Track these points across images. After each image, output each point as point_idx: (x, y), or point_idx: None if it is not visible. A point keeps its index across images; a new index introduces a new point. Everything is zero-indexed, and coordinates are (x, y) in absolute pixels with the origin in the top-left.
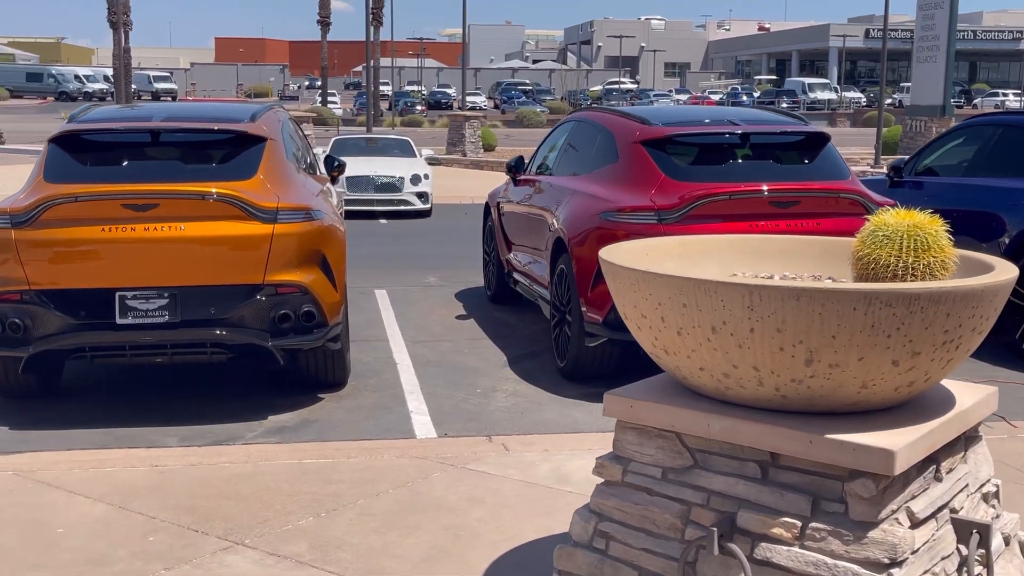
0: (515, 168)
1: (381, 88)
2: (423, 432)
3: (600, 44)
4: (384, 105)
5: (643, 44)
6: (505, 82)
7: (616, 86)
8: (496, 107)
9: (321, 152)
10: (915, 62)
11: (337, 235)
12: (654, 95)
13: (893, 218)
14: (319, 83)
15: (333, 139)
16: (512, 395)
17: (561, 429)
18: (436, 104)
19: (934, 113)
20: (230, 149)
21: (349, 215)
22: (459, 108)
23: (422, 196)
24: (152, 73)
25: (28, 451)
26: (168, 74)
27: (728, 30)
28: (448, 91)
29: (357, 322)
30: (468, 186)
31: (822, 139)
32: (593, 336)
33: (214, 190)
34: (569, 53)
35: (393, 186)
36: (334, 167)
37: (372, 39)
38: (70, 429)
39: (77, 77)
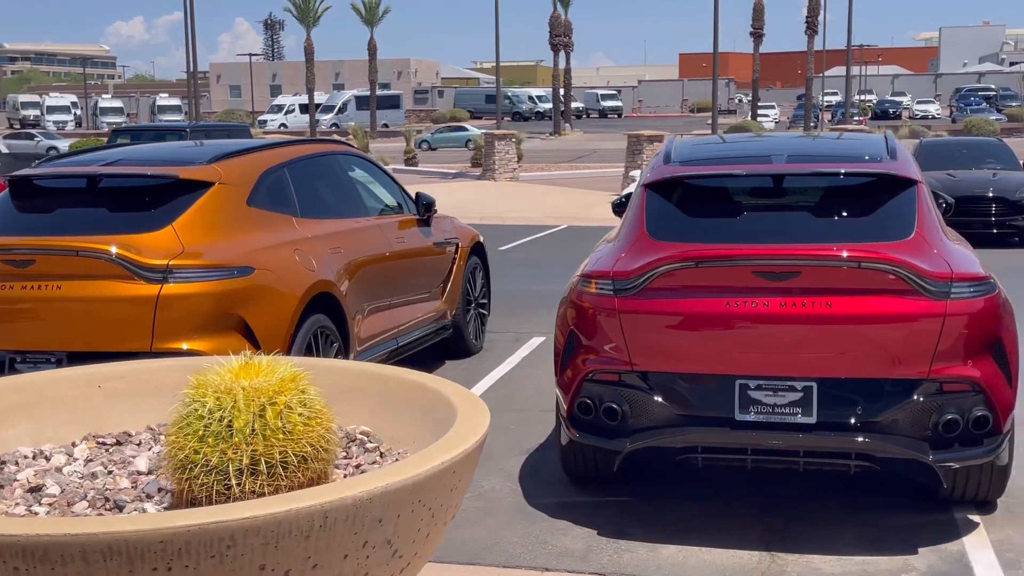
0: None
1: (827, 98)
2: None
3: None
4: (826, 116)
5: None
6: (966, 88)
7: None
8: (951, 115)
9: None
10: None
11: (271, 295)
12: None
13: (228, 371)
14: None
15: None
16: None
17: None
18: (882, 114)
19: None
20: (161, 197)
21: None
22: (908, 118)
23: None
24: (600, 92)
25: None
26: (615, 92)
27: None
28: (899, 100)
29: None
30: None
31: (897, 183)
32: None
33: (87, 246)
34: None
35: None
36: (422, 206)
37: (808, 48)
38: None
39: (530, 98)
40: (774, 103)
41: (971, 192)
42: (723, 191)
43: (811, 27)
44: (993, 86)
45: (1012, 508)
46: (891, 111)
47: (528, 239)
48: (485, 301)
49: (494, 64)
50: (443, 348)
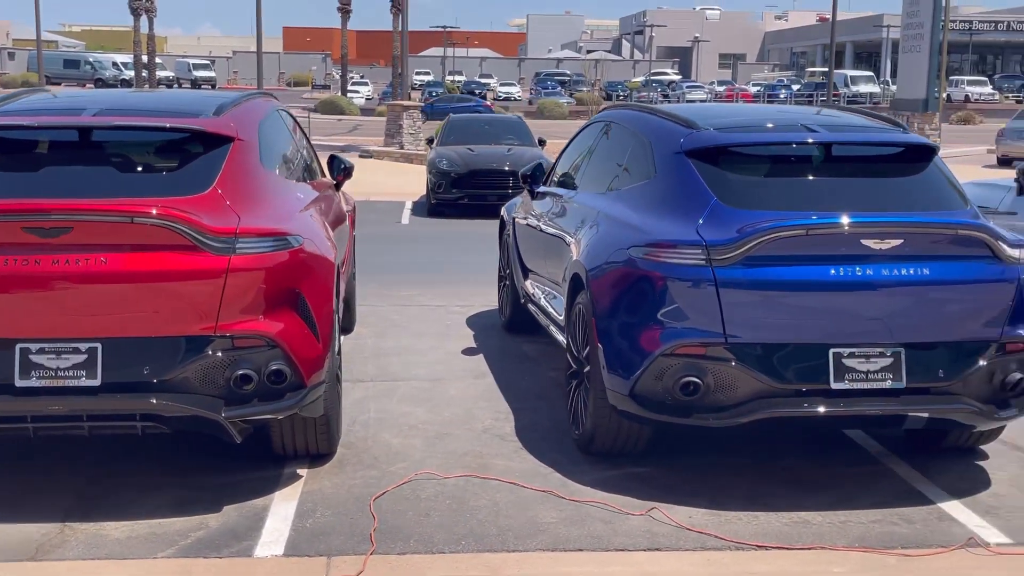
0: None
1: (418, 78)
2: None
3: (652, 34)
4: (417, 94)
5: (697, 34)
6: (544, 72)
7: (659, 78)
8: (529, 98)
9: None
10: (900, 53)
11: None
12: (687, 86)
13: None
14: (381, 72)
15: None
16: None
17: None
18: (469, 94)
19: (916, 108)
20: None
21: None
22: (493, 99)
23: None
24: (193, 61)
25: None
26: (209, 62)
27: (786, 20)
28: (486, 81)
29: None
30: (393, 183)
31: (209, 139)
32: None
33: None
34: (624, 42)
35: None
36: None
37: (397, 28)
38: None
39: (115, 64)
40: (367, 80)
41: (488, 166)
42: (27, 143)
43: (396, 6)
44: (568, 72)
45: (344, 460)
46: (477, 91)
47: None
48: None
49: (83, 28)
50: None
